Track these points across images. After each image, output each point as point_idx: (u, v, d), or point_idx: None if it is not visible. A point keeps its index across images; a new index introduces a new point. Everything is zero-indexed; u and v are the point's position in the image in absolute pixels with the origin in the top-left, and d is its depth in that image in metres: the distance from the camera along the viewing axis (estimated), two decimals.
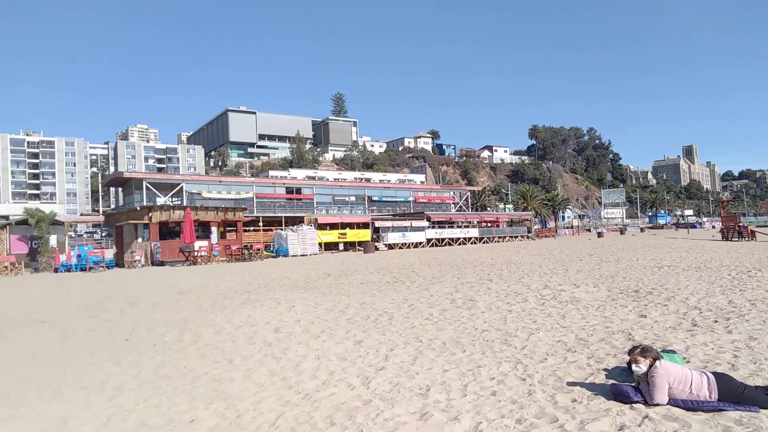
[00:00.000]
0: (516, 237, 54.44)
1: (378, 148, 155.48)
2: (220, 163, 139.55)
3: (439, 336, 7.77)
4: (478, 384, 5.44)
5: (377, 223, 44.29)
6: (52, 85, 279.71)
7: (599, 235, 56.81)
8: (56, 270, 26.14)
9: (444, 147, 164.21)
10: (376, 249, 38.64)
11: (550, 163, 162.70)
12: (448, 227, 49.31)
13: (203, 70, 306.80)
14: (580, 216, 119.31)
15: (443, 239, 47.28)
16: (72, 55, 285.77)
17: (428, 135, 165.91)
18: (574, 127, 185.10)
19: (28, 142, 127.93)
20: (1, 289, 17.10)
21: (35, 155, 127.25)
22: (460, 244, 47.68)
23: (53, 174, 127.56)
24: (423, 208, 58.39)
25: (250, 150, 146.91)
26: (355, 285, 14.48)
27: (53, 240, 28.77)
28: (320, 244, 38.62)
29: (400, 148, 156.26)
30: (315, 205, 56.85)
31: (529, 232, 57.71)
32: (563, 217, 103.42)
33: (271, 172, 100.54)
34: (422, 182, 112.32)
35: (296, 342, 7.73)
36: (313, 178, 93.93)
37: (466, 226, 51.04)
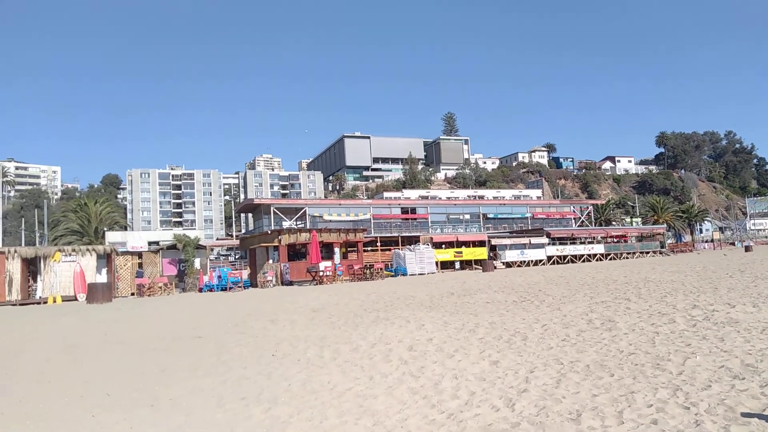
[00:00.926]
0: (647, 252, 50.45)
1: (491, 165, 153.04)
2: (338, 187, 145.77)
3: (581, 358, 7.40)
4: (635, 411, 5.09)
5: (494, 241, 43.44)
6: (191, 126, 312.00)
7: (747, 249, 50.88)
8: (200, 290, 28.74)
9: (561, 160, 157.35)
10: (494, 267, 37.86)
11: (682, 171, 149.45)
12: (570, 243, 47.02)
13: (319, 97, 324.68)
14: (721, 228, 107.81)
15: (565, 256, 45.13)
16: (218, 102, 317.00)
17: (543, 148, 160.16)
18: (708, 131, 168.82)
19: (172, 176, 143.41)
20: (159, 307, 19.16)
21: (178, 187, 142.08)
22: (584, 261, 45.21)
23: (193, 203, 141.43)
24: (541, 224, 56.27)
25: (365, 173, 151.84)
26: (480, 304, 14.29)
27: (197, 263, 31.74)
28: (436, 263, 38.66)
29: (514, 164, 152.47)
30: (429, 224, 57.13)
31: (662, 247, 53.24)
32: (701, 230, 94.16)
33: (386, 194, 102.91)
34: (539, 197, 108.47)
35: (431, 361, 7.79)
36: (426, 197, 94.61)
37: (590, 242, 48.34)
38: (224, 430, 5.52)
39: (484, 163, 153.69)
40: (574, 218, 63.64)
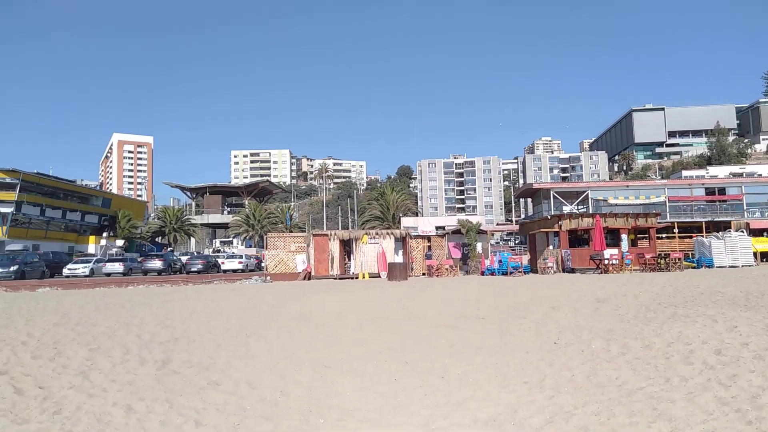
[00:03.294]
0: None
1: None
2: (624, 167, 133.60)
3: None
4: None
5: None
6: (471, 117, 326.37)
7: None
8: (482, 273, 29.99)
9: None
10: None
11: None
12: None
13: (601, 74, 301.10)
14: None
15: None
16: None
17: None
18: None
19: (455, 164, 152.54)
20: (446, 287, 20.77)
21: (461, 174, 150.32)
22: None
23: (474, 189, 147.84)
24: None
25: (657, 150, 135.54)
26: None
27: (479, 247, 33.21)
28: (754, 254, 32.13)
29: None
30: (744, 207, 47.83)
31: None
32: None
33: (685, 172, 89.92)
34: None
35: (747, 370, 6.61)
36: (740, 175, 79.16)
37: None
38: (508, 410, 5.74)
39: None
40: None
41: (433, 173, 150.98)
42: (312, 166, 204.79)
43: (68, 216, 59.97)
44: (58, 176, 63.96)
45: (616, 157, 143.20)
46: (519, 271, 28.91)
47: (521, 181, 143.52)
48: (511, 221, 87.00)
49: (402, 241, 32.90)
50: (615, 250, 28.91)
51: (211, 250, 73.19)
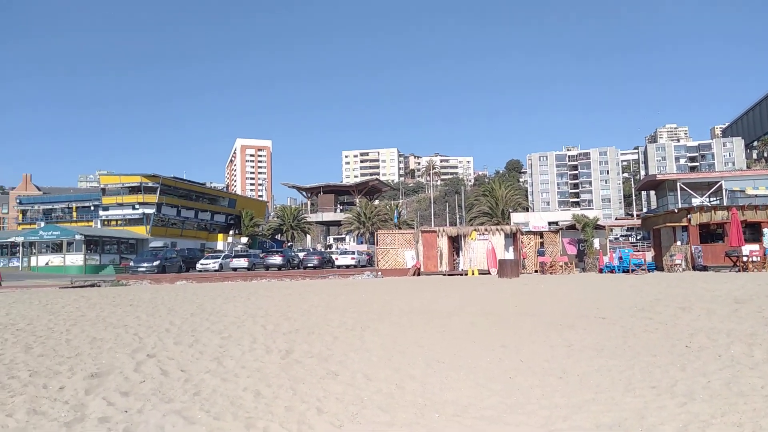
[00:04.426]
0: None
1: None
2: (765, 155, 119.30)
3: None
4: None
5: None
6: (585, 103, 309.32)
7: None
8: (600, 270, 28.38)
9: None
10: None
11: None
12: None
13: (740, 49, 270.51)
14: None
15: None
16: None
17: None
18: None
19: (568, 156, 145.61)
20: (561, 285, 19.93)
21: (575, 167, 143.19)
22: None
23: (590, 182, 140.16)
24: None
25: None
26: None
27: (596, 243, 31.43)
28: None
29: None
30: None
31: None
32: None
33: None
34: None
35: None
36: None
37: None
38: (634, 415, 5.41)
39: None
40: None
41: (545, 166, 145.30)
42: (419, 163, 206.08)
43: (200, 216, 65.78)
44: (191, 180, 70.35)
45: (755, 144, 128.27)
46: (642, 269, 26.98)
47: (642, 173, 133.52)
48: (632, 215, 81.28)
49: (512, 237, 32.08)
50: (755, 246, 25.98)
51: (322, 246, 76.45)
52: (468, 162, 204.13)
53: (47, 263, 47.86)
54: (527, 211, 73.86)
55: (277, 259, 40.08)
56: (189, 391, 6.48)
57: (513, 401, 6.06)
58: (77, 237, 47.74)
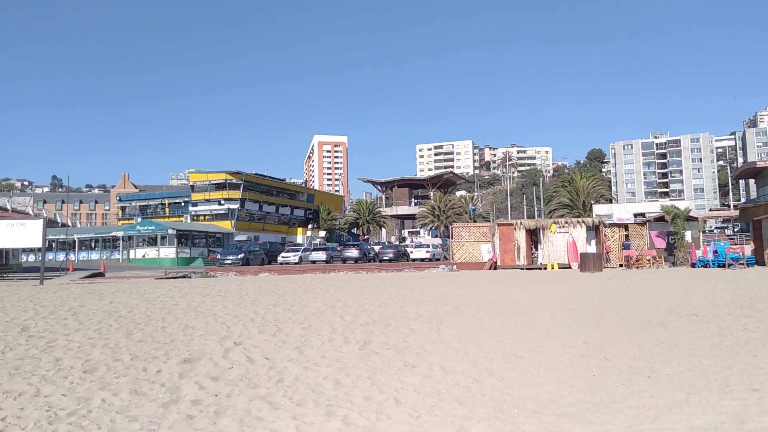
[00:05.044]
0: None
1: None
2: None
3: None
4: None
5: None
6: (677, 86, 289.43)
7: None
8: (693, 265, 26.62)
9: None
10: None
11: None
12: None
13: None
14: None
15: None
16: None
17: None
18: None
19: (656, 144, 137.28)
20: (649, 280, 18.89)
21: (663, 155, 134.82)
22: None
23: (680, 171, 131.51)
24: None
25: None
26: None
27: (688, 236, 29.47)
28: None
29: None
30: None
31: None
32: None
33: None
34: None
35: None
36: None
37: None
38: (732, 419, 5.05)
39: None
40: None
41: (630, 155, 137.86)
42: (495, 155, 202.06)
43: (280, 210, 68.23)
44: (271, 176, 73.11)
45: None
46: (740, 263, 25.02)
47: (740, 160, 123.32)
48: (729, 206, 75.38)
49: (595, 230, 30.75)
50: None
51: (397, 239, 76.95)
52: (546, 152, 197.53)
53: (144, 256, 51.58)
54: (611, 202, 70.40)
55: (353, 252, 40.80)
56: (273, 378, 6.77)
57: (597, 400, 5.84)
58: (170, 231, 51.10)
